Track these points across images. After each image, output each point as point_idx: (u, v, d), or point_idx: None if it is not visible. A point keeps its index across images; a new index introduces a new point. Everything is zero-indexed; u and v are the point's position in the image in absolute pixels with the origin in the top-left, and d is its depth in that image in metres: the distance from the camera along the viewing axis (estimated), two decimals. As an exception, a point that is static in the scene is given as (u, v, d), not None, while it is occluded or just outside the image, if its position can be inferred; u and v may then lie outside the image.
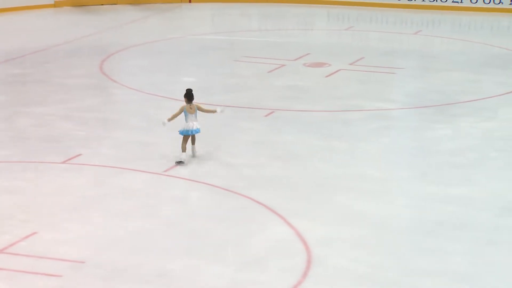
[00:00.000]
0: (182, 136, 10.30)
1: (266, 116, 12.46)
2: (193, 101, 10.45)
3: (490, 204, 8.99)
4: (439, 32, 19.85)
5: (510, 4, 21.57)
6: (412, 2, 22.40)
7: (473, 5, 21.86)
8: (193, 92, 10.44)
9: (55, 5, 21.76)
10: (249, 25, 21.80)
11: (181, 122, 10.38)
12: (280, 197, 9.28)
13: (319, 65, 15.79)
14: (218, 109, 10.80)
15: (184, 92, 10.40)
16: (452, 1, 22.05)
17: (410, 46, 18.07)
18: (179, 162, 10.24)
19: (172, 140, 11.27)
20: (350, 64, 15.83)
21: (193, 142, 10.52)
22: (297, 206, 9.03)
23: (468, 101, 13.17)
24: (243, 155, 10.80)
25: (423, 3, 22.32)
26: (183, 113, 10.36)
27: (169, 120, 10.32)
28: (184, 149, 10.30)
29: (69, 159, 10.46)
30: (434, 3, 22.21)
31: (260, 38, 19.05)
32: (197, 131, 10.31)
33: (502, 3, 21.64)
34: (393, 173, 10.17)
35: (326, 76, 14.96)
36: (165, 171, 10.07)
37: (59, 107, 12.85)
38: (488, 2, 21.77)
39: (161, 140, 11.29)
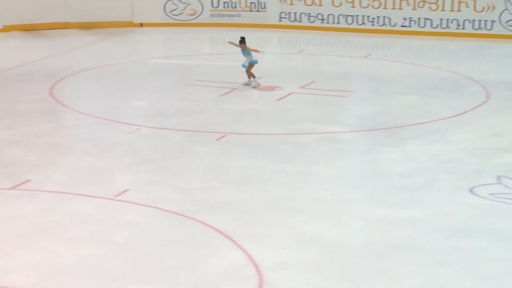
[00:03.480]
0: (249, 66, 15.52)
1: (218, 139, 12.47)
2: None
3: (439, 226, 9.10)
4: (389, 56, 20.13)
5: (457, 28, 22.02)
6: (362, 26, 22.71)
7: (422, 30, 22.25)
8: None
9: (4, 30, 21.54)
10: (201, 49, 21.87)
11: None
12: (232, 221, 9.27)
13: (271, 88, 15.88)
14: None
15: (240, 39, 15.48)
16: (401, 26, 22.42)
17: (360, 69, 18.29)
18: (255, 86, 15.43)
19: (124, 165, 11.22)
20: (302, 87, 15.96)
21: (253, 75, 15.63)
22: (249, 230, 9.02)
23: (417, 124, 13.35)
24: (196, 179, 10.77)
25: (373, 27, 22.64)
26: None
27: (230, 42, 15.87)
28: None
29: (18, 185, 10.32)
30: (384, 27, 22.54)
31: (212, 62, 19.11)
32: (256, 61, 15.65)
33: (449, 27, 22.07)
34: (345, 195, 10.24)
35: (278, 100, 15.05)
36: (116, 196, 9.99)
37: (7, 133, 12.69)
38: (436, 26, 22.18)
39: (112, 165, 11.22)
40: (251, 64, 15.74)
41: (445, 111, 14.13)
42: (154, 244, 8.69)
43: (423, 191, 10.26)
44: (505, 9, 21.65)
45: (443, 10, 22.12)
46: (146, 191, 10.25)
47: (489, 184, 10.34)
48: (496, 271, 7.95)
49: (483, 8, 21.79)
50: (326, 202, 9.90)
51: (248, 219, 9.37)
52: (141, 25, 23.34)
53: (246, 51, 15.74)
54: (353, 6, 22.82)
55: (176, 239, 8.82)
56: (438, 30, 22.13)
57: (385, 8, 22.55)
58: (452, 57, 20.30)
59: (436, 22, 22.18)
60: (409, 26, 22.39)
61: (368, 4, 22.67)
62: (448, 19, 22.08)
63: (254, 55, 15.78)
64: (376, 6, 22.63)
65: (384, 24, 22.61)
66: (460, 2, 21.96)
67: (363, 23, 22.79)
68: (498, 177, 10.54)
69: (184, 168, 11.23)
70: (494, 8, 21.71)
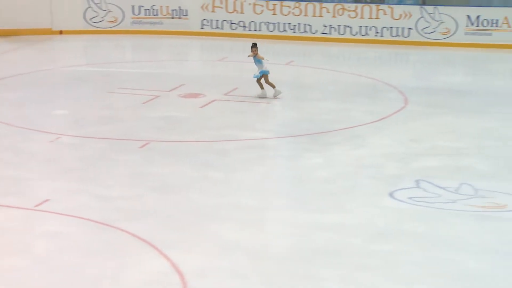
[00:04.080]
0: (260, 77, 15.21)
1: (140, 147, 12.37)
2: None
3: (361, 230, 9.24)
4: (310, 62, 20.36)
5: (375, 35, 22.43)
6: (284, 34, 22.92)
7: (341, 37, 22.60)
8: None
9: None
10: (123, 56, 21.68)
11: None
12: (155, 229, 9.21)
13: (194, 95, 15.86)
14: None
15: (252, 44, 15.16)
16: (322, 33, 22.71)
17: (283, 76, 18.41)
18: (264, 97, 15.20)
19: (44, 174, 11.02)
20: (225, 94, 15.98)
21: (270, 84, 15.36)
22: (172, 238, 8.98)
23: (339, 130, 13.53)
24: (118, 187, 10.66)
25: (294, 34, 22.88)
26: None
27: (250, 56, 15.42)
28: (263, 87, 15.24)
29: None
30: (305, 35, 22.80)
31: (134, 69, 18.96)
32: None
33: (368, 34, 22.47)
34: (269, 202, 10.29)
35: (201, 107, 15.04)
36: (36, 206, 9.80)
37: None
38: (355, 34, 22.56)
39: (32, 175, 11.01)
40: (263, 74, 15.42)
41: (365, 117, 14.37)
42: (75, 254, 8.55)
43: (345, 195, 10.39)
44: (421, 17, 22.18)
45: (362, 17, 22.51)
46: (67, 200, 10.09)
47: (408, 188, 10.55)
48: (416, 273, 8.11)
49: (400, 15, 22.28)
50: (249, 208, 9.92)
51: (171, 227, 9.32)
52: (61, 32, 22.99)
53: (257, 59, 15.39)
54: (274, 14, 23.02)
55: (98, 248, 8.71)
56: (358, 37, 22.51)
57: (305, 15, 22.81)
58: (371, 63, 20.67)
59: (355, 29, 22.56)
60: (329, 33, 22.71)
61: (289, 12, 22.90)
62: (367, 27, 22.49)
63: (266, 65, 15.44)
64: (297, 14, 22.88)
65: (305, 31, 22.86)
66: (378, 10, 22.40)
67: (284, 30, 23.00)
68: (417, 181, 10.77)
69: (106, 176, 11.10)
70: (410, 15, 22.22)
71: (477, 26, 21.92)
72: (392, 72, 19.18)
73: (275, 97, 15.42)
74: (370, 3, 23.09)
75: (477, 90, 16.99)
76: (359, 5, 22.66)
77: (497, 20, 21.78)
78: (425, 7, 22.29)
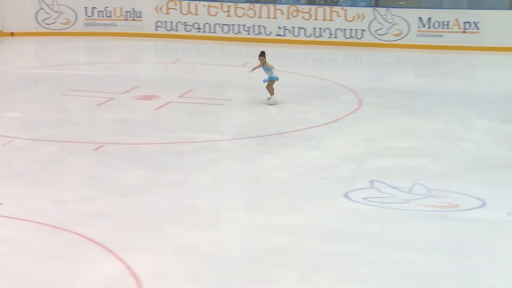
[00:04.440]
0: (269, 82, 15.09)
1: (95, 150, 12.27)
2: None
3: (316, 231, 9.29)
4: (265, 64, 20.36)
5: (329, 37, 22.58)
6: (238, 35, 22.93)
7: (296, 38, 22.70)
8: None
9: None
10: (76, 58, 21.48)
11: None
12: (110, 232, 9.14)
13: (148, 98, 15.78)
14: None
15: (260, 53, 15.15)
16: (276, 34, 22.79)
17: (237, 78, 18.45)
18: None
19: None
20: (179, 96, 15.94)
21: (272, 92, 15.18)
22: (128, 241, 8.92)
23: (294, 131, 13.59)
24: (72, 190, 10.56)
25: (248, 36, 22.90)
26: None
27: (253, 69, 15.30)
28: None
29: None
30: (260, 36, 22.84)
31: (88, 71, 18.80)
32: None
33: (322, 36, 22.62)
34: (224, 203, 10.29)
35: (156, 109, 14.97)
36: (-11, 210, 9.66)
37: None
38: (309, 35, 22.68)
39: (-16, 179, 10.85)
40: (272, 80, 15.24)
41: (320, 118, 14.46)
42: (28, 259, 8.45)
43: (301, 197, 10.44)
44: (374, 19, 22.39)
45: (316, 19, 22.64)
46: (20, 204, 9.96)
47: (363, 188, 10.64)
48: (370, 273, 8.19)
49: (354, 17, 22.46)
50: (205, 210, 9.91)
51: (126, 230, 9.26)
52: (12, 34, 22.68)
53: (266, 67, 15.22)
54: (228, 15, 23.01)
55: (52, 253, 8.61)
56: (312, 38, 22.63)
57: (260, 17, 22.86)
58: (325, 65, 20.80)
59: (309, 31, 22.68)
60: (284, 35, 22.79)
61: (244, 13, 22.93)
62: (321, 28, 22.62)
63: (276, 72, 15.30)
64: (251, 15, 22.91)
65: (259, 33, 22.91)
66: (332, 12, 22.55)
67: (239, 32, 23.01)
68: (371, 182, 10.87)
69: (60, 179, 10.98)
70: (363, 17, 22.41)
71: (429, 28, 22.20)
72: (346, 74, 19.33)
73: (268, 103, 15.26)
74: (324, 5, 23.24)
75: (429, 91, 17.21)
76: (313, 7, 22.78)
77: (448, 22, 22.09)
78: (378, 9, 22.51)
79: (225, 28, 23.07)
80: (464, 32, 22.04)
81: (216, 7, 23.09)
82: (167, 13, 23.29)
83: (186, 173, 11.33)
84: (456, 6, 23.22)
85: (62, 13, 22.96)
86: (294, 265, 8.38)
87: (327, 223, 9.53)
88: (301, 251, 8.74)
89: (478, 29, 21.97)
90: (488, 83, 18.38)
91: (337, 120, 14.42)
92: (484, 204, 10.01)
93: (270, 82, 15.26)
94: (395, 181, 10.82)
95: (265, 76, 15.30)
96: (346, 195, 10.37)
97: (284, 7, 22.91)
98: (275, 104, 15.21)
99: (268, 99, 15.33)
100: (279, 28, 22.85)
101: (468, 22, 22.01)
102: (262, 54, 15.34)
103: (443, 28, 22.12)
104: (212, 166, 11.72)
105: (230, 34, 23.01)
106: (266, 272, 8.21)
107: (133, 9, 23.32)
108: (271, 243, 8.93)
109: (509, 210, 9.77)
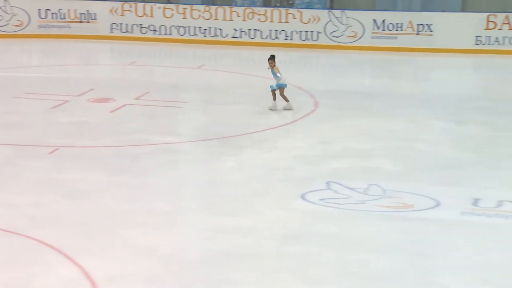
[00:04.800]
0: (277, 90, 14.71)
1: (50, 153, 12.15)
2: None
3: (274, 232, 9.32)
4: (221, 66, 20.43)
5: (285, 39, 22.68)
6: (194, 37, 22.91)
7: (252, 40, 22.75)
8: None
9: None
10: (30, 61, 21.24)
11: None
12: (66, 236, 9.05)
13: (104, 100, 15.67)
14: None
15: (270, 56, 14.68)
16: (232, 36, 22.81)
17: (194, 80, 18.42)
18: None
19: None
20: (136, 98, 15.86)
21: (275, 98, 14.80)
22: (84, 244, 8.85)
23: (250, 133, 13.62)
24: (26, 194, 10.43)
25: (205, 38, 22.89)
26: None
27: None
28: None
29: None
30: (216, 38, 22.85)
31: (42, 74, 18.60)
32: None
33: (278, 38, 22.70)
34: (182, 206, 10.27)
35: (112, 112, 14.88)
36: None
37: None
38: (265, 37, 22.75)
39: None
40: (280, 87, 14.90)
41: (276, 120, 14.51)
42: (-17, 264, 8.33)
43: (258, 198, 10.47)
44: (329, 21, 22.54)
45: (271, 21, 22.72)
46: (-26, 209, 9.81)
47: (319, 190, 10.71)
48: (327, 274, 8.24)
49: (309, 19, 22.59)
50: (163, 213, 9.88)
51: (82, 233, 9.18)
52: (-36, 36, 22.35)
53: (273, 71, 14.87)
54: (184, 17, 22.98)
55: (6, 258, 8.49)
56: (268, 40, 22.70)
57: (216, 19, 22.87)
58: (281, 67, 20.78)
59: (265, 33, 22.75)
60: (240, 37, 22.82)
61: (199, 16, 22.91)
62: (276, 30, 22.71)
63: (284, 78, 14.97)
64: (207, 18, 22.91)
65: (215, 35, 22.91)
66: (287, 14, 22.66)
67: (195, 34, 22.99)
68: (328, 183, 10.94)
69: (14, 183, 10.85)
70: (319, 19, 22.55)
71: (383, 30, 22.43)
72: (302, 76, 19.41)
73: (284, 109, 14.97)
74: (280, 7, 23.33)
75: (384, 92, 17.39)
76: (269, 9, 22.86)
77: (402, 24, 22.34)
78: (333, 11, 22.67)
79: (181, 30, 23.03)
80: (417, 34, 22.32)
81: (172, 9, 23.03)
82: (122, 15, 23.16)
83: (143, 175, 11.28)
84: (409, 9, 23.51)
85: (15, 15, 22.69)
86: (252, 266, 8.39)
87: (284, 224, 9.57)
88: (259, 252, 8.76)
89: (431, 31, 22.26)
90: (441, 84, 18.63)
91: (293, 121, 14.48)
92: (438, 204, 10.15)
93: (280, 90, 14.89)
94: (351, 182, 10.90)
95: (273, 81, 14.96)
96: (303, 197, 10.42)
97: (240, 9, 22.95)
98: (275, 109, 14.91)
99: (287, 108, 14.97)
100: (235, 30, 22.88)
101: (421, 24, 22.29)
102: (272, 57, 14.89)
103: (397, 30, 22.36)
104: (169, 168, 11.68)
105: (186, 36, 22.97)
106: (224, 274, 8.21)
107: (87, 11, 23.14)
108: (229, 245, 8.93)
109: (462, 210, 9.92)
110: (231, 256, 8.63)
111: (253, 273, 8.25)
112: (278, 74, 14.79)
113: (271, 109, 14.99)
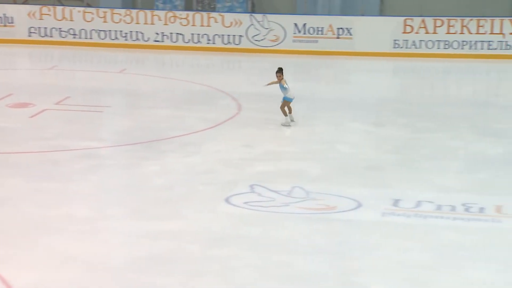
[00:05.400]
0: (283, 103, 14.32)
1: (-33, 160, 11.86)
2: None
3: (199, 236, 9.32)
4: (143, 70, 20.30)
5: (208, 43, 22.70)
6: (116, 41, 22.71)
7: (174, 44, 22.70)
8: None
9: None
10: None
11: None
12: (-14, 245, 8.85)
13: (23, 105, 15.38)
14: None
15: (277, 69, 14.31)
16: (154, 40, 22.71)
17: (116, 84, 18.26)
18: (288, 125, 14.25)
19: None
20: (56, 103, 15.62)
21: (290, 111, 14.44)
22: (3, 252, 8.66)
23: (174, 137, 13.58)
24: None
25: (126, 42, 22.73)
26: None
27: (269, 84, 14.60)
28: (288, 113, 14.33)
29: None
30: (137, 42, 22.71)
31: (-42, 78, 18.13)
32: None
33: (200, 42, 22.71)
34: (105, 211, 10.16)
35: (31, 117, 14.61)
36: None
37: None
38: (188, 41, 22.73)
39: None
40: (286, 101, 14.33)
41: (200, 124, 14.51)
42: None
43: (182, 203, 10.45)
44: (251, 25, 22.68)
45: (193, 25, 22.72)
46: None
47: (243, 193, 10.76)
48: (252, 277, 8.29)
49: (231, 23, 22.67)
50: (84, 219, 9.76)
51: (2, 241, 8.98)
52: None
53: (282, 85, 14.31)
54: (105, 21, 22.77)
55: None
56: (190, 44, 22.69)
57: (137, 23, 22.73)
58: (204, 70, 20.88)
59: (187, 37, 22.73)
60: (162, 41, 22.73)
61: (120, 19, 22.73)
62: (199, 34, 22.72)
63: (291, 92, 14.37)
64: (128, 21, 22.74)
65: (137, 39, 22.76)
66: (209, 18, 22.69)
67: (116, 38, 22.78)
68: (251, 186, 11.00)
69: None
70: (241, 23, 22.66)
71: (304, 33, 22.69)
72: (225, 79, 19.47)
73: (282, 124, 14.38)
74: (201, 11, 23.34)
75: (306, 95, 17.57)
76: (191, 13, 22.85)
77: (322, 28, 22.64)
78: (255, 15, 22.82)
79: (102, 34, 22.79)
80: (338, 37, 22.66)
81: (92, 13, 22.78)
82: (41, 19, 22.77)
83: (64, 181, 11.12)
84: (329, 13, 23.86)
85: None
86: (176, 271, 8.38)
87: (209, 228, 9.58)
88: (183, 257, 8.75)
89: (351, 34, 22.63)
90: (361, 87, 18.96)
91: (216, 125, 14.51)
92: (360, 206, 10.32)
93: (284, 103, 14.36)
94: (275, 185, 10.99)
95: (281, 94, 14.43)
96: (227, 200, 10.45)
97: (161, 13, 22.86)
98: (293, 121, 14.43)
99: (285, 123, 14.38)
100: (157, 34, 22.78)
101: (341, 28, 22.64)
102: (280, 70, 14.36)
103: (317, 34, 22.66)
104: (91, 174, 11.55)
105: (107, 40, 22.76)
106: (148, 279, 8.17)
107: (4, 14, 22.67)
108: (153, 250, 8.89)
109: (383, 211, 10.12)
110: (155, 261, 8.59)
111: (177, 277, 8.23)
112: (286, 86, 14.28)
113: (284, 125, 14.40)
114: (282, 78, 14.36)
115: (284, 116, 14.47)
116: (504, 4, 24.64)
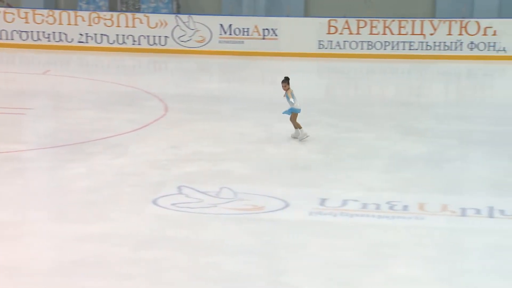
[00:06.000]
0: (292, 116, 13.38)
1: None
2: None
3: (127, 239, 9.24)
4: (67, 71, 20.01)
5: (133, 44, 22.53)
6: (38, 42, 22.33)
7: (99, 45, 22.45)
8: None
9: None
10: None
11: None
12: None
13: None
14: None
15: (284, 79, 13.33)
16: (78, 41, 22.41)
17: (39, 86, 17.95)
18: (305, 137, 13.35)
19: None
20: (-23, 106, 15.27)
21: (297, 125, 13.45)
22: None
23: (100, 139, 13.43)
24: None
25: (49, 43, 22.37)
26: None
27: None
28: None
29: None
30: (61, 43, 22.38)
31: None
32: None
33: (126, 43, 22.52)
34: (28, 215, 9.97)
35: (-49, 120, 14.24)
36: None
37: None
38: (112, 42, 22.53)
39: None
40: (293, 112, 13.43)
41: (126, 125, 14.39)
42: None
43: (109, 205, 10.34)
44: (177, 25, 22.61)
45: (118, 26, 22.51)
46: None
47: (171, 194, 10.72)
48: (181, 278, 8.27)
49: (157, 24, 22.55)
50: (8, 223, 9.56)
51: None
52: None
53: (286, 94, 13.37)
54: (27, 22, 22.39)
55: None
56: (115, 45, 22.47)
57: (60, 24, 22.39)
58: (130, 72, 20.70)
59: (112, 37, 22.52)
60: (86, 42, 22.46)
61: (43, 20, 22.37)
62: (124, 35, 22.53)
63: (297, 103, 13.40)
64: (51, 22, 22.39)
65: (60, 40, 22.42)
66: (134, 19, 22.52)
67: (38, 39, 22.40)
68: (179, 187, 10.97)
69: None
70: (166, 24, 22.55)
71: (230, 34, 22.74)
72: (151, 80, 19.36)
73: (292, 137, 13.58)
74: (126, 11, 23.14)
75: (233, 96, 17.64)
76: (115, 14, 22.63)
77: (248, 28, 22.74)
78: (180, 16, 22.75)
79: (24, 35, 22.37)
80: (263, 38, 22.79)
81: (13, 14, 22.35)
82: (-40, 19, 22.20)
83: (-14, 185, 10.87)
84: (255, 13, 23.99)
85: None
86: (103, 274, 8.28)
87: (137, 230, 9.51)
88: (111, 260, 8.66)
89: (276, 35, 22.80)
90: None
91: (143, 127, 14.41)
92: (287, 205, 10.41)
93: (294, 115, 13.48)
94: (203, 186, 10.99)
95: (287, 105, 13.55)
96: (154, 202, 10.39)
97: (85, 14, 22.58)
98: (307, 136, 13.46)
99: (294, 136, 13.56)
100: (81, 35, 22.48)
101: (267, 29, 22.79)
102: (286, 80, 13.39)
103: (243, 34, 22.75)
104: (15, 177, 11.32)
105: (29, 41, 22.36)
106: (76, 283, 8.06)
107: None
108: (80, 253, 8.77)
109: (310, 210, 10.22)
110: (82, 265, 8.48)
111: (105, 281, 8.15)
112: (292, 99, 13.34)
113: (294, 137, 13.64)
114: (289, 88, 13.40)
115: (297, 129, 13.58)
116: (424, 6, 25.21)
